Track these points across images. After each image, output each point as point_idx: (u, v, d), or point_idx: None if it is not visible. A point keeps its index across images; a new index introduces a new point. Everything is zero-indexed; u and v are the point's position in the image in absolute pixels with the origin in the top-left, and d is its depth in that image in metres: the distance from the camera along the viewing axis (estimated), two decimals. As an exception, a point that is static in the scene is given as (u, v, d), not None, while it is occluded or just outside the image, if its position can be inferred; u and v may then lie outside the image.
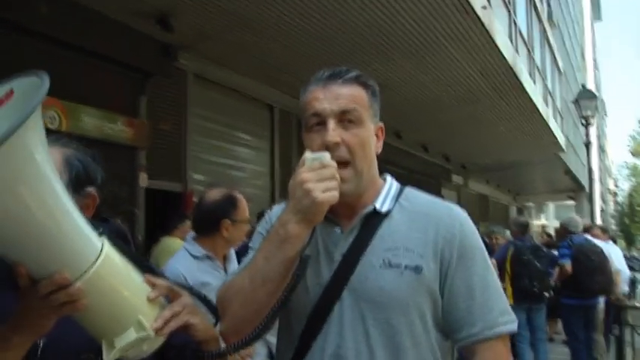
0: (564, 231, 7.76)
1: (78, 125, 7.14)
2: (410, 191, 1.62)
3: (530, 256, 7.17)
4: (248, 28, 7.89)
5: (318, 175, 1.33)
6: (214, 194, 3.18)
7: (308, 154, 1.39)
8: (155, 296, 1.24)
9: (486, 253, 1.56)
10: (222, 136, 10.18)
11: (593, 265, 7.14)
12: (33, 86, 1.04)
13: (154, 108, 8.59)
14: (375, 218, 1.52)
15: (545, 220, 46.04)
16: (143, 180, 8.26)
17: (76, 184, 1.45)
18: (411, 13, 7.82)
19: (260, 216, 6.46)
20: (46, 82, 1.03)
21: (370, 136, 1.52)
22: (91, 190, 1.51)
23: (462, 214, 1.57)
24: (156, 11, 7.29)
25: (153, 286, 1.26)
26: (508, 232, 10.62)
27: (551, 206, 49.07)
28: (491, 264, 1.56)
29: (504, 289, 7.14)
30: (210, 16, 7.53)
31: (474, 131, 15.42)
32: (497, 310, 1.48)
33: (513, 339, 7.43)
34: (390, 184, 1.61)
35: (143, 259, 1.39)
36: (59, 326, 1.19)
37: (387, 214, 1.53)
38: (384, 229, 1.51)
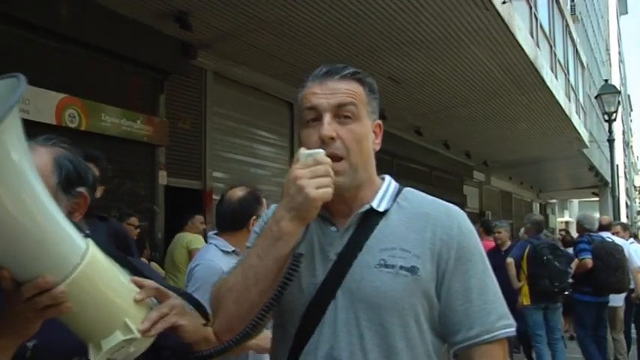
0: (581, 228, 7.67)
1: (98, 123, 7.22)
2: (409, 191, 1.59)
3: (549, 256, 7.06)
4: (266, 26, 7.91)
5: (311, 172, 1.32)
6: (238, 192, 3.24)
7: (302, 151, 1.38)
8: (142, 298, 1.23)
9: (485, 254, 1.53)
10: (242, 134, 10.22)
11: (616, 264, 7.07)
12: (12, 88, 1.04)
13: (173, 106, 8.65)
14: (372, 217, 1.50)
15: (569, 217, 45.51)
16: (162, 178, 8.32)
17: (67, 185, 1.45)
18: (429, 9, 7.78)
19: None
20: (23, 84, 1.03)
21: (367, 133, 1.50)
22: (82, 190, 1.49)
23: (460, 215, 1.54)
24: (174, 10, 7.34)
25: (140, 287, 1.25)
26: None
27: (575, 203, 48.54)
28: (489, 266, 1.52)
29: (520, 289, 7.13)
30: (228, 16, 7.56)
31: (495, 127, 15.31)
32: (496, 314, 1.45)
33: (531, 341, 7.38)
34: (389, 184, 1.59)
35: (132, 260, 1.38)
36: (52, 328, 1.18)
37: (385, 213, 1.51)
38: (380, 228, 1.48)
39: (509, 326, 1.46)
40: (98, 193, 3.28)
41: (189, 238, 7.02)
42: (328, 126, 1.42)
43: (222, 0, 7.09)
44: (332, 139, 1.42)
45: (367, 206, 1.50)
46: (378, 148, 1.57)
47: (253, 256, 1.38)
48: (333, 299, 1.44)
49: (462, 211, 1.56)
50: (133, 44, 7.52)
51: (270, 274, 1.35)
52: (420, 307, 1.43)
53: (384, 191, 1.55)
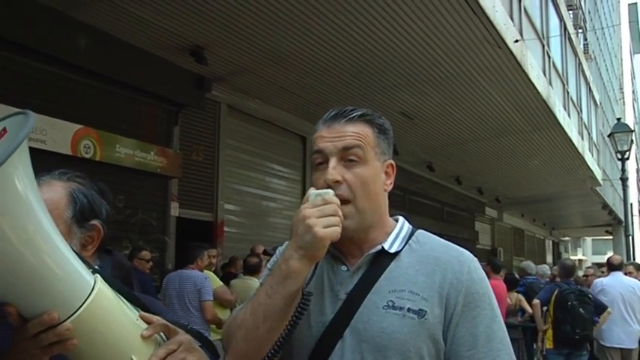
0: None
1: (112, 154, 7.30)
2: (422, 234, 1.59)
3: (574, 302, 6.88)
4: (280, 61, 8.01)
5: (320, 211, 1.33)
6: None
7: (311, 191, 1.40)
8: (149, 334, 1.22)
9: (495, 301, 1.52)
10: (254, 167, 10.28)
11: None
12: (21, 124, 1.05)
13: (187, 138, 8.74)
14: (383, 259, 1.50)
15: (583, 255, 45.19)
16: (174, 209, 8.36)
17: (81, 218, 1.48)
18: (443, 47, 7.85)
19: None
20: (32, 119, 1.04)
21: (375, 175, 1.50)
22: (96, 222, 1.52)
23: (471, 260, 1.53)
24: (190, 44, 7.45)
25: (148, 323, 1.24)
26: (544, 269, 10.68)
27: (588, 241, 48.11)
28: (499, 313, 1.51)
29: (545, 332, 7.04)
30: (243, 50, 7.66)
31: (507, 164, 15.30)
32: None
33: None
34: (402, 226, 1.59)
35: (139, 296, 1.38)
36: None
37: (396, 255, 1.51)
38: (391, 270, 1.49)
39: None
40: None
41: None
42: (333, 170, 1.44)
43: (237, 35, 7.19)
44: (337, 182, 1.44)
45: (379, 247, 1.50)
46: (389, 189, 1.57)
47: (262, 294, 1.38)
48: (341, 339, 1.44)
49: (473, 257, 1.55)
50: (148, 77, 7.64)
51: (278, 311, 1.35)
52: (425, 351, 1.42)
53: (397, 233, 1.56)
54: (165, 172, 8.18)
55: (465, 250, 1.57)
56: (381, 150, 1.53)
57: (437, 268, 1.48)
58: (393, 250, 1.51)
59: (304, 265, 1.34)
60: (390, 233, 1.55)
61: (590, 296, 7.21)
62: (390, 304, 1.43)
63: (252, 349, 1.38)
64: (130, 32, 7.06)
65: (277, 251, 1.65)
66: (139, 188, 7.74)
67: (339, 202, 1.37)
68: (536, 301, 7.29)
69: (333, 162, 1.45)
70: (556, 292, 7.13)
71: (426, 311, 1.42)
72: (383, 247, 1.51)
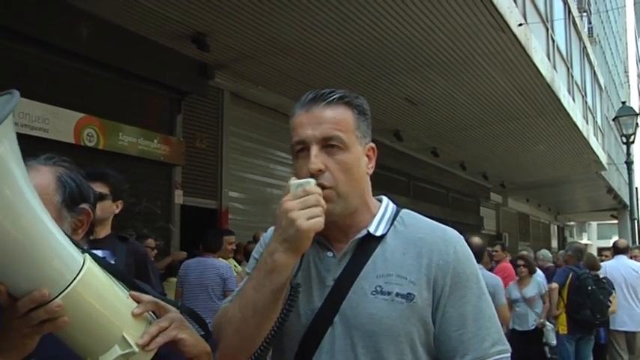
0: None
1: (115, 143, 7.29)
2: (406, 214, 1.58)
3: (594, 287, 6.87)
4: (283, 48, 7.97)
5: (301, 203, 1.32)
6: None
7: (293, 181, 1.38)
8: (140, 312, 1.21)
9: (482, 280, 1.52)
10: (258, 154, 10.27)
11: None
12: (8, 101, 1.03)
13: (190, 126, 8.73)
14: (369, 243, 1.49)
15: (588, 240, 45.16)
16: (179, 197, 8.36)
17: (70, 202, 1.49)
18: (446, 31, 7.80)
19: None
20: (16, 98, 1.03)
21: (357, 159, 1.49)
22: (85, 206, 1.53)
23: (457, 240, 1.53)
24: (192, 32, 7.42)
25: (139, 302, 1.24)
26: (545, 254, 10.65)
27: (593, 225, 48.03)
28: (486, 291, 1.51)
29: (557, 317, 6.98)
30: (245, 37, 7.62)
31: (512, 149, 15.26)
32: (490, 340, 1.44)
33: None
34: (386, 207, 1.58)
35: (131, 276, 1.38)
36: (51, 344, 1.17)
37: (382, 238, 1.50)
38: (377, 254, 1.48)
39: (503, 352, 1.45)
40: (115, 209, 3.35)
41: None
42: (315, 159, 1.42)
43: (239, 22, 7.15)
44: (320, 171, 1.42)
45: (364, 231, 1.50)
46: (371, 172, 1.56)
47: (250, 289, 1.38)
48: (330, 326, 1.44)
49: (459, 235, 1.55)
50: (151, 65, 7.61)
51: (266, 305, 1.35)
52: (415, 334, 1.43)
53: (382, 215, 1.54)
54: (169, 160, 8.18)
55: (449, 229, 1.57)
56: (362, 133, 1.52)
57: (423, 250, 1.48)
58: (378, 234, 1.51)
59: (290, 258, 1.33)
60: (375, 215, 1.54)
61: (605, 281, 7.19)
62: (378, 289, 1.43)
63: (243, 343, 1.38)
64: (131, 20, 7.02)
65: (262, 239, 1.64)
66: (143, 176, 7.73)
67: (320, 191, 1.36)
68: (555, 285, 7.14)
69: (314, 150, 1.43)
70: (571, 276, 7.07)
71: (414, 295, 1.43)
72: (368, 232, 1.50)
